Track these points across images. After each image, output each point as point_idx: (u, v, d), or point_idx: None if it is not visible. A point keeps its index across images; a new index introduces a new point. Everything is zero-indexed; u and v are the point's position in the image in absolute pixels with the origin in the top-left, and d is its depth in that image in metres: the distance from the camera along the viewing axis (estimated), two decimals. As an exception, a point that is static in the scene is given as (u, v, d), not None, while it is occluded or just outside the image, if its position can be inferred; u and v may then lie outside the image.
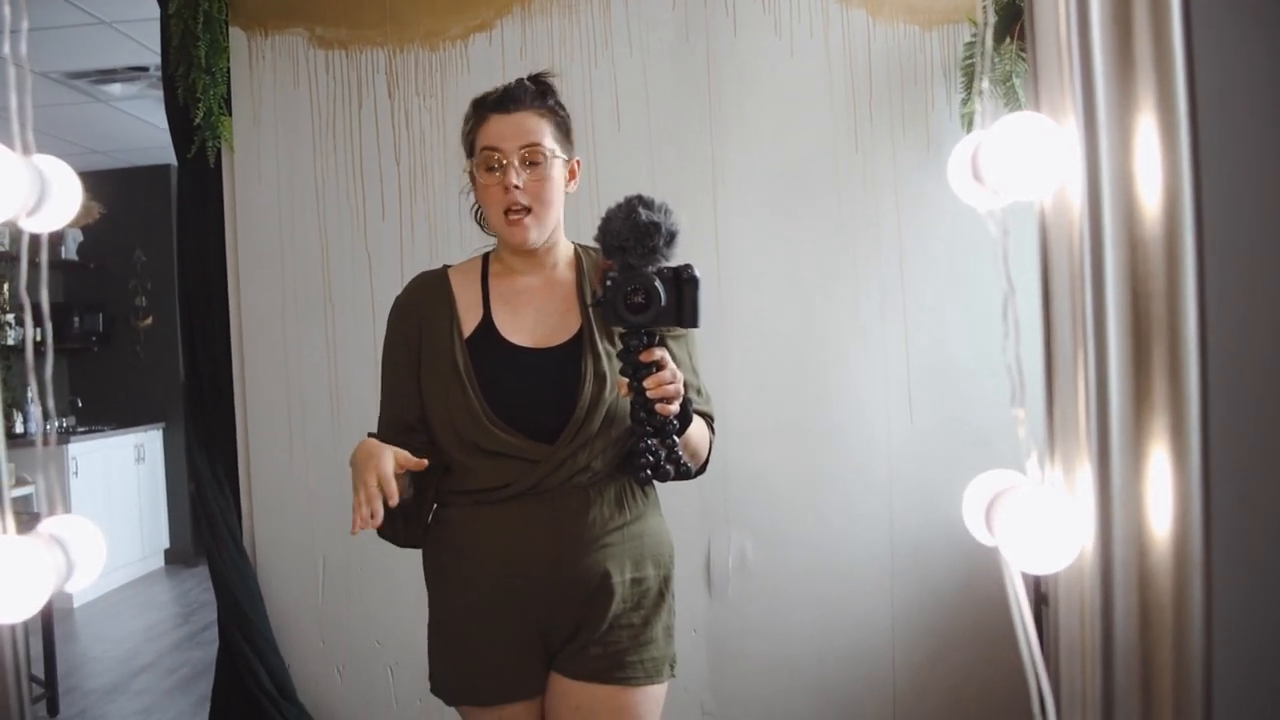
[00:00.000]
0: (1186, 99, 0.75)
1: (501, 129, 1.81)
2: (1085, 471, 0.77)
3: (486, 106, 1.84)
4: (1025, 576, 0.76)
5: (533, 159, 1.81)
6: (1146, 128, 0.75)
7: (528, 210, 1.81)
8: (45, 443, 0.81)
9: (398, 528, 1.89)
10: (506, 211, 1.81)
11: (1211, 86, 0.76)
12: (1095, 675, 0.79)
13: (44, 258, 0.76)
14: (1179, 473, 0.76)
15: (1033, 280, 0.80)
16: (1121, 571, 0.77)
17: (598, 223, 1.69)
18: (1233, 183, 0.81)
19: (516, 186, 1.79)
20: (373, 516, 1.62)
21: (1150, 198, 0.75)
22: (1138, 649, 0.77)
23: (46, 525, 0.81)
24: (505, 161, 1.80)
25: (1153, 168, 0.75)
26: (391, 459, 1.67)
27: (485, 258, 1.96)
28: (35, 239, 0.75)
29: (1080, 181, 0.76)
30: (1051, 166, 0.75)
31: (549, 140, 1.82)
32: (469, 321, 1.87)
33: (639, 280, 1.65)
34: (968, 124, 2.97)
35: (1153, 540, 0.76)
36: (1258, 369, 0.82)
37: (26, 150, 0.72)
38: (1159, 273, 0.75)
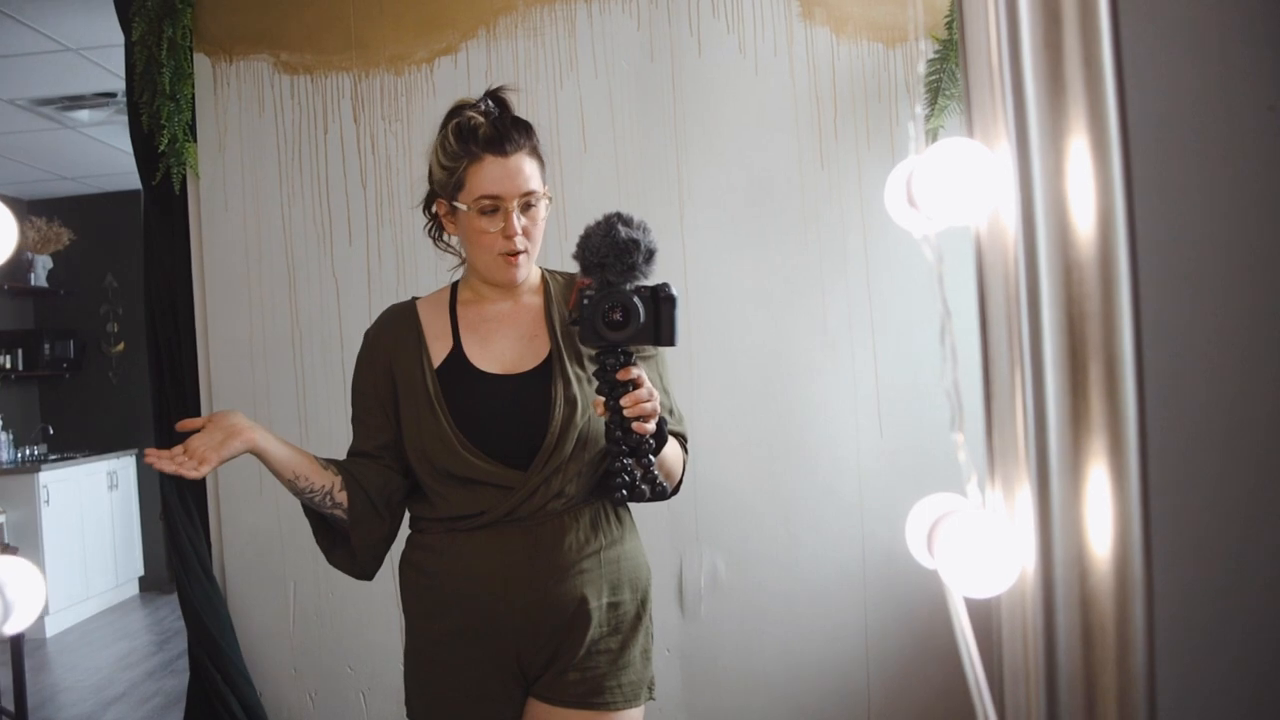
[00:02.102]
0: (1118, 121, 0.75)
1: (501, 175, 1.78)
2: (1025, 493, 0.77)
3: (479, 144, 1.79)
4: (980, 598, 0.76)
5: (529, 204, 1.80)
6: (1079, 150, 0.75)
7: (522, 251, 1.81)
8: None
9: (349, 549, 1.89)
10: (502, 254, 1.80)
11: (1143, 108, 0.77)
12: (1039, 698, 0.79)
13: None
14: (1118, 493, 0.76)
15: (973, 304, 0.80)
16: (1063, 593, 0.77)
17: (564, 245, 1.69)
18: (1166, 203, 0.82)
19: (519, 235, 1.79)
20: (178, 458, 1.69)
21: (1084, 220, 0.75)
22: (1081, 672, 0.77)
23: (-18, 567, 0.80)
24: (506, 209, 1.78)
25: (1086, 190, 0.75)
26: (238, 448, 1.73)
27: (453, 286, 1.95)
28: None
29: (1014, 205, 0.76)
30: (984, 191, 0.75)
31: (540, 183, 1.82)
32: (438, 351, 1.87)
33: (618, 298, 1.64)
34: (933, 139, 2.99)
35: (1094, 561, 0.76)
36: (1194, 388, 0.82)
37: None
38: (1094, 294, 0.75)
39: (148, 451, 1.69)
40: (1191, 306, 0.82)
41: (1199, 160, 0.83)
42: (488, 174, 1.78)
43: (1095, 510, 0.76)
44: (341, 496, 1.84)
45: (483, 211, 1.79)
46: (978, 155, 0.75)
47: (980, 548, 0.75)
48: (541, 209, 1.83)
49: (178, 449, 1.69)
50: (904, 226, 0.80)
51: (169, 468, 1.67)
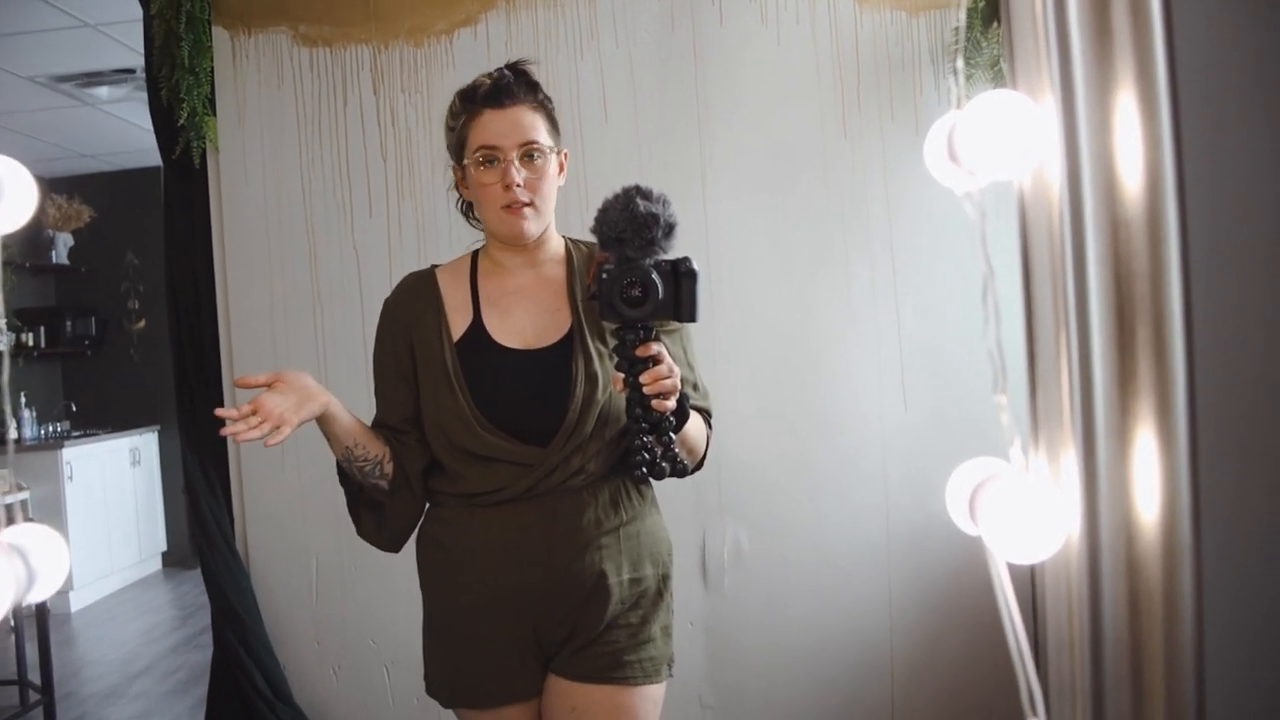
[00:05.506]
0: (1167, 75, 0.73)
1: (499, 126, 1.77)
2: (1070, 457, 0.75)
3: (478, 101, 1.79)
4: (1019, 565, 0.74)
5: (531, 155, 1.78)
6: (1126, 105, 0.73)
7: (527, 204, 1.78)
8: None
9: (383, 519, 1.89)
10: (506, 207, 1.78)
11: (1193, 62, 0.74)
12: (1084, 666, 0.77)
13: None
14: (1166, 456, 0.74)
15: (1014, 263, 0.78)
16: (1109, 559, 0.75)
17: (585, 216, 1.66)
18: (1216, 160, 0.79)
19: (518, 185, 1.76)
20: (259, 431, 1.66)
21: (1131, 176, 0.73)
22: (1127, 639, 0.75)
23: (7, 534, 0.79)
24: (504, 159, 1.76)
25: (1133, 146, 0.73)
26: (314, 411, 1.72)
27: (474, 256, 1.93)
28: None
29: (1059, 161, 0.74)
30: (1028, 145, 0.73)
31: (544, 135, 1.80)
32: (458, 324, 1.84)
33: (636, 273, 1.61)
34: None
35: (1140, 527, 0.74)
36: (1244, 348, 0.80)
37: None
38: (1141, 253, 0.73)
39: (219, 412, 1.66)
40: (1242, 265, 0.79)
41: (1250, 116, 0.81)
42: (485, 125, 1.78)
43: (1142, 474, 0.74)
44: (390, 467, 1.85)
45: (482, 163, 1.78)
46: (1023, 107, 0.72)
47: (1025, 513, 0.73)
48: (549, 164, 1.80)
49: (246, 408, 1.67)
50: (945, 183, 0.77)
51: (253, 435, 1.65)
